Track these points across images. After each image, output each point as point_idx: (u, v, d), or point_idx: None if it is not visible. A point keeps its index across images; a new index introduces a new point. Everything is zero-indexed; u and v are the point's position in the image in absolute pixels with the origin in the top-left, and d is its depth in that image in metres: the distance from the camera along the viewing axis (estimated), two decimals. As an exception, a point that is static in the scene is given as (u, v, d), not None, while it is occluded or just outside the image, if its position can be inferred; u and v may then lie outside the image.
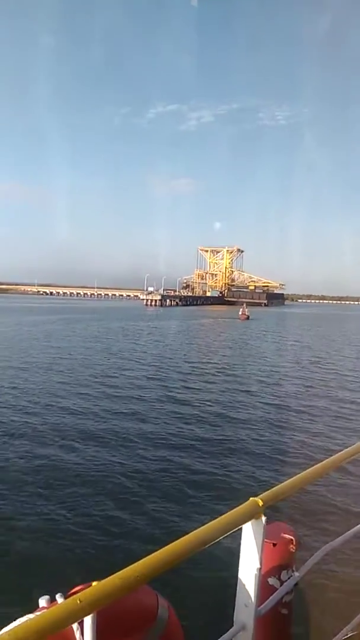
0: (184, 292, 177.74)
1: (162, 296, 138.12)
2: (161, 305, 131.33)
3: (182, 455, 9.76)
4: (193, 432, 11.45)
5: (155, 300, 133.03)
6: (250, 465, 9.26)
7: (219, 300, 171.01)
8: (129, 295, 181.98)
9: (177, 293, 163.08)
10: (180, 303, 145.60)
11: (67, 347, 29.30)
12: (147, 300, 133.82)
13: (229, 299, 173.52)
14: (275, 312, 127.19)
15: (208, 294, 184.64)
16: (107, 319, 59.44)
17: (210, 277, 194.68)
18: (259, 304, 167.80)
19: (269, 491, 1.85)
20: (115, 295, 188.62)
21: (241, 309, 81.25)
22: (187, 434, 11.31)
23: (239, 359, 26.79)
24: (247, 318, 77.45)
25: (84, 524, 6.65)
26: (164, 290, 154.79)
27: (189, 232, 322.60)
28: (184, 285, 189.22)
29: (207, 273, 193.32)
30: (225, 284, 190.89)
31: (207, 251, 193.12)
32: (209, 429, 11.85)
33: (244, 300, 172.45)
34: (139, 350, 29.38)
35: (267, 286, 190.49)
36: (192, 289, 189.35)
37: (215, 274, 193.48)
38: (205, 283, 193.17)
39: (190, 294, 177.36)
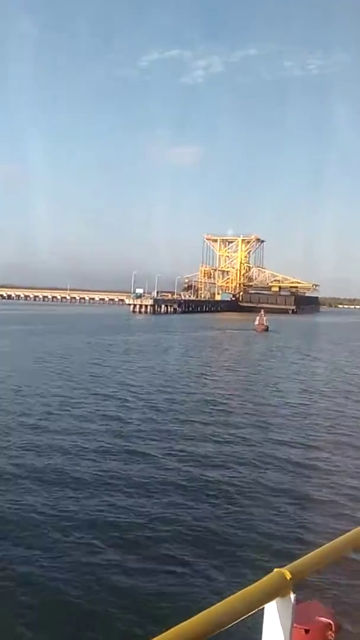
0: (186, 295, 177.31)
1: (155, 300, 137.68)
2: (153, 312, 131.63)
3: (185, 512, 10.70)
4: (196, 484, 12.55)
5: (146, 306, 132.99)
6: (273, 524, 9.99)
7: (232, 305, 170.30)
8: (112, 300, 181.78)
9: (175, 296, 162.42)
10: (179, 309, 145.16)
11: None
12: (134, 305, 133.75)
13: (245, 304, 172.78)
14: (306, 321, 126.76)
15: (217, 297, 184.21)
16: (73, 332, 58.74)
17: (221, 276, 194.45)
18: (285, 311, 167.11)
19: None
20: (94, 299, 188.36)
21: (258, 318, 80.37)
22: (188, 486, 12.44)
23: (246, 391, 25.40)
24: (266, 329, 77.31)
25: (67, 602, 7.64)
26: (158, 292, 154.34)
27: (192, 216, 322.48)
28: (186, 285, 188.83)
29: (216, 270, 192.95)
30: (240, 284, 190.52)
31: (215, 241, 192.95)
32: (216, 479, 12.88)
33: (264, 305, 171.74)
34: (101, 378, 28.46)
35: (296, 287, 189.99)
36: (197, 290, 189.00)
37: (227, 271, 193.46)
38: (214, 283, 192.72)
39: (193, 297, 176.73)
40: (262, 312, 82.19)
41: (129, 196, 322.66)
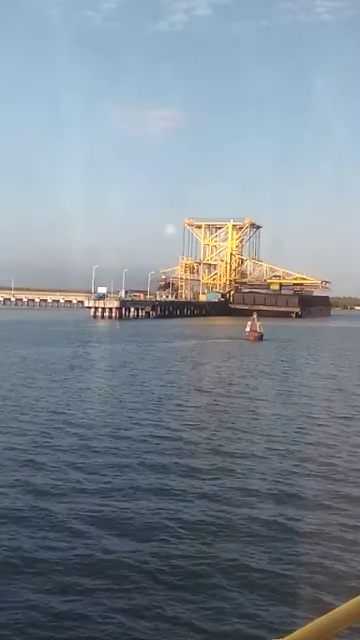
0: (162, 295, 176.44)
1: (122, 302, 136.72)
2: (120, 317, 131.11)
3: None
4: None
5: (110, 309, 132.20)
6: (267, 594, 10.84)
7: (221, 308, 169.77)
8: (69, 301, 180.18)
9: (149, 297, 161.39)
10: (153, 313, 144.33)
11: None
12: (95, 309, 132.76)
13: (237, 306, 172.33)
14: (313, 327, 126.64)
15: (202, 297, 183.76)
16: (6, 343, 57.15)
17: (206, 270, 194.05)
18: (287, 314, 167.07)
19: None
20: (46, 301, 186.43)
21: (250, 323, 79.74)
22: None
23: (207, 433, 23.98)
24: (259, 338, 77.11)
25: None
26: (126, 292, 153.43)
27: (169, 196, 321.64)
28: (162, 283, 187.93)
29: (200, 263, 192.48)
30: (230, 281, 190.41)
31: (199, 227, 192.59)
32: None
33: (260, 308, 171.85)
34: (19, 405, 26.89)
35: (301, 285, 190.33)
36: (176, 289, 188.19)
37: (215, 265, 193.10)
38: (198, 280, 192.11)
39: (171, 297, 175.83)
40: (255, 315, 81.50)
41: (89, 171, 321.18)
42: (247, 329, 79.06)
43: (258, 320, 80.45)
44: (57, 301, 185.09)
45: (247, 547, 12.43)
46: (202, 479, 16.89)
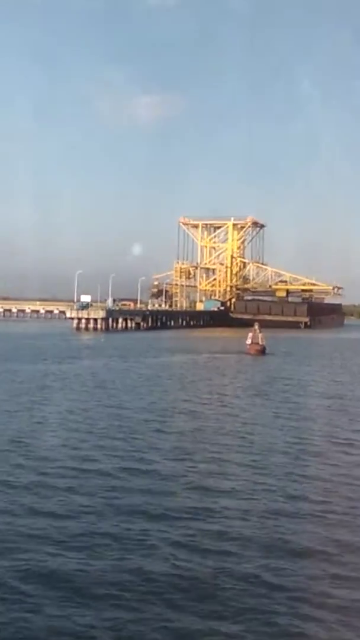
0: (155, 304, 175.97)
1: (109, 312, 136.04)
2: (107, 329, 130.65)
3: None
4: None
5: (95, 321, 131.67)
6: None
7: (220, 317, 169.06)
8: (50, 312, 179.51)
9: (138, 306, 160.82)
10: (144, 324, 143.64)
11: None
12: (78, 320, 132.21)
13: (239, 316, 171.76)
14: (323, 339, 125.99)
15: (199, 306, 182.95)
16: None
17: (204, 275, 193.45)
18: (295, 325, 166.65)
19: None
20: (24, 311, 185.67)
21: (251, 335, 79.04)
22: None
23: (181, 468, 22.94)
24: (262, 351, 76.55)
25: None
26: (114, 300, 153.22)
27: (163, 193, 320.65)
28: (155, 290, 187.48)
29: (197, 267, 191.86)
30: (231, 287, 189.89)
31: (196, 226, 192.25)
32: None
33: (264, 318, 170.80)
34: None
35: (311, 291, 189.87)
36: (171, 297, 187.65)
37: (213, 269, 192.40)
38: (195, 287, 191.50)
39: (165, 306, 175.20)
40: (257, 326, 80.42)
41: (72, 164, 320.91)
42: (248, 342, 78.33)
43: (260, 332, 79.55)
44: (37, 311, 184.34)
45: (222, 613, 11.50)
46: (174, 524, 15.89)
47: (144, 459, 22.35)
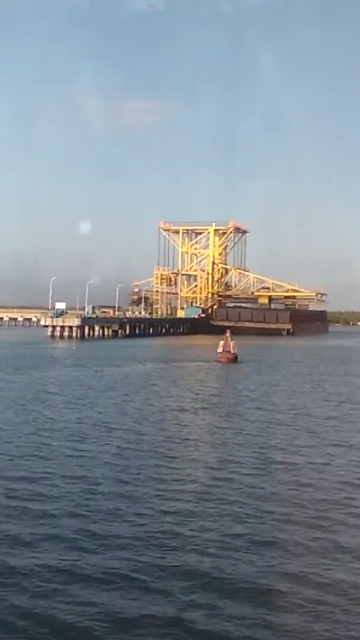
0: (135, 311, 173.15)
1: (84, 319, 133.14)
2: (82, 337, 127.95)
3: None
4: None
5: (70, 328, 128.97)
6: None
7: (201, 325, 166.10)
8: (27, 320, 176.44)
9: (116, 314, 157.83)
10: (121, 332, 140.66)
11: None
12: (53, 328, 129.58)
13: (220, 323, 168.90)
14: (305, 347, 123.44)
15: (180, 313, 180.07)
16: None
17: (185, 282, 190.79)
18: (278, 332, 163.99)
19: None
20: (2, 319, 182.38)
21: (222, 343, 77.04)
22: None
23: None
24: (234, 360, 74.59)
25: None
26: (94, 308, 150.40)
27: (146, 201, 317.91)
28: (135, 297, 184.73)
29: (178, 274, 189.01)
30: (213, 294, 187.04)
31: (176, 232, 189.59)
32: None
33: (245, 325, 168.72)
34: None
35: (294, 297, 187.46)
36: (151, 304, 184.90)
37: (195, 276, 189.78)
38: (176, 294, 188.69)
39: (144, 314, 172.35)
40: (228, 333, 78.31)
41: (55, 168, 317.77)
42: (219, 350, 76.67)
43: (232, 340, 77.66)
44: (14, 319, 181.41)
45: None
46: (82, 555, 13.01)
47: (69, 475, 20.48)
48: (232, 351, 75.81)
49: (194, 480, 20.85)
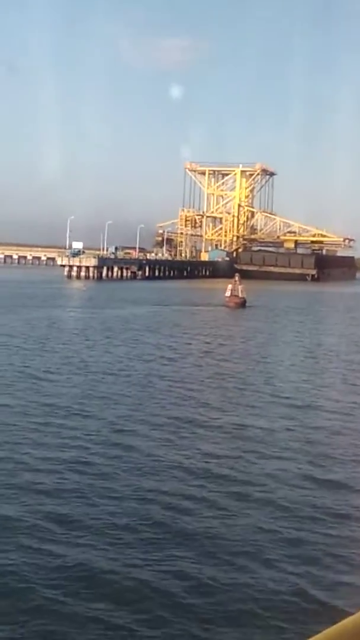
0: (158, 253, 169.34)
1: (101, 260, 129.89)
2: (100, 277, 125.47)
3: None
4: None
5: (87, 269, 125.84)
6: None
7: (225, 268, 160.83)
8: (50, 259, 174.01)
9: (140, 255, 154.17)
10: (140, 274, 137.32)
11: None
12: (70, 267, 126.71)
13: (244, 266, 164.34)
14: (325, 292, 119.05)
15: (204, 256, 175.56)
16: None
17: (211, 225, 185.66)
18: (302, 277, 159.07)
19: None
20: (12, 257, 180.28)
21: (230, 287, 74.24)
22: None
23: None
24: (242, 305, 72.06)
25: None
26: (117, 248, 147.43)
27: (174, 139, 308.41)
28: (159, 239, 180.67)
29: (203, 216, 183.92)
30: (238, 237, 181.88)
31: (203, 173, 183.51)
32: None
33: (269, 269, 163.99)
34: None
35: (321, 242, 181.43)
36: (175, 246, 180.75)
37: (220, 218, 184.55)
38: (200, 236, 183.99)
39: (167, 256, 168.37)
40: (237, 277, 75.03)
41: (79, 104, 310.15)
42: (227, 294, 73.88)
43: (240, 283, 74.52)
44: (25, 257, 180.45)
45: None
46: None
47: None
48: (240, 295, 72.93)
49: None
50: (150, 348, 38.15)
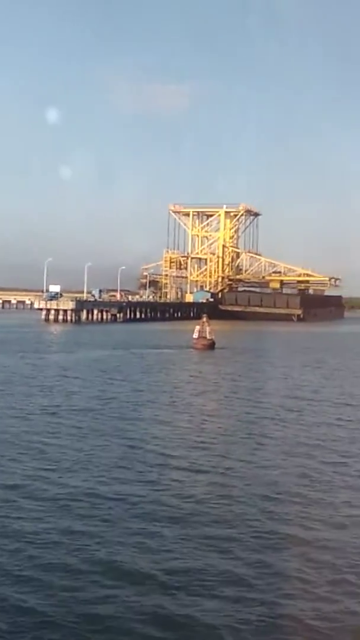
0: (144, 295, 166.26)
1: (79, 303, 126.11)
2: (78, 321, 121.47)
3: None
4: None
5: (65, 312, 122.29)
6: None
7: (210, 309, 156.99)
8: (21, 302, 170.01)
9: (121, 297, 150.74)
10: (120, 317, 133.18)
11: None
12: (47, 311, 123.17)
13: (229, 308, 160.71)
14: (309, 333, 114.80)
15: (188, 297, 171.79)
16: None
17: (196, 266, 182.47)
18: (287, 317, 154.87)
19: None
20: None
21: (197, 327, 71.11)
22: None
23: None
24: (210, 346, 68.77)
25: None
26: (101, 291, 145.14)
27: (154, 182, 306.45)
28: (144, 281, 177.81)
29: (188, 257, 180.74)
30: (223, 277, 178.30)
31: (187, 214, 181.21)
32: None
33: (254, 309, 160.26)
34: None
35: (307, 282, 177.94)
36: (160, 288, 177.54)
37: (205, 259, 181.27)
38: (185, 278, 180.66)
39: (152, 298, 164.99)
40: (205, 318, 71.36)
41: (68, 147, 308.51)
42: (195, 335, 70.49)
43: (209, 325, 70.78)
44: (8, 301, 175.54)
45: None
46: None
47: None
48: (207, 337, 69.38)
49: None
50: (64, 397, 33.54)
